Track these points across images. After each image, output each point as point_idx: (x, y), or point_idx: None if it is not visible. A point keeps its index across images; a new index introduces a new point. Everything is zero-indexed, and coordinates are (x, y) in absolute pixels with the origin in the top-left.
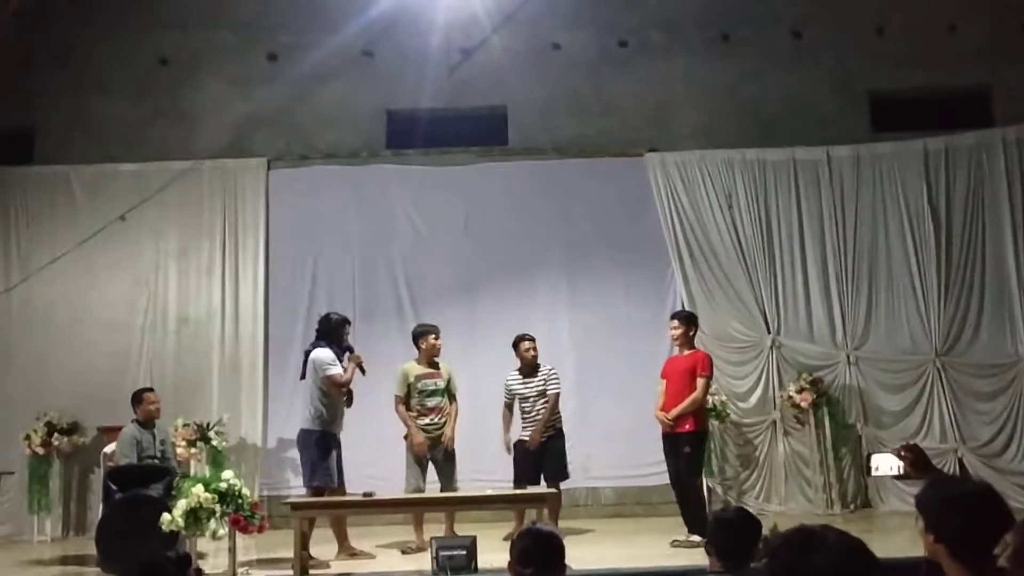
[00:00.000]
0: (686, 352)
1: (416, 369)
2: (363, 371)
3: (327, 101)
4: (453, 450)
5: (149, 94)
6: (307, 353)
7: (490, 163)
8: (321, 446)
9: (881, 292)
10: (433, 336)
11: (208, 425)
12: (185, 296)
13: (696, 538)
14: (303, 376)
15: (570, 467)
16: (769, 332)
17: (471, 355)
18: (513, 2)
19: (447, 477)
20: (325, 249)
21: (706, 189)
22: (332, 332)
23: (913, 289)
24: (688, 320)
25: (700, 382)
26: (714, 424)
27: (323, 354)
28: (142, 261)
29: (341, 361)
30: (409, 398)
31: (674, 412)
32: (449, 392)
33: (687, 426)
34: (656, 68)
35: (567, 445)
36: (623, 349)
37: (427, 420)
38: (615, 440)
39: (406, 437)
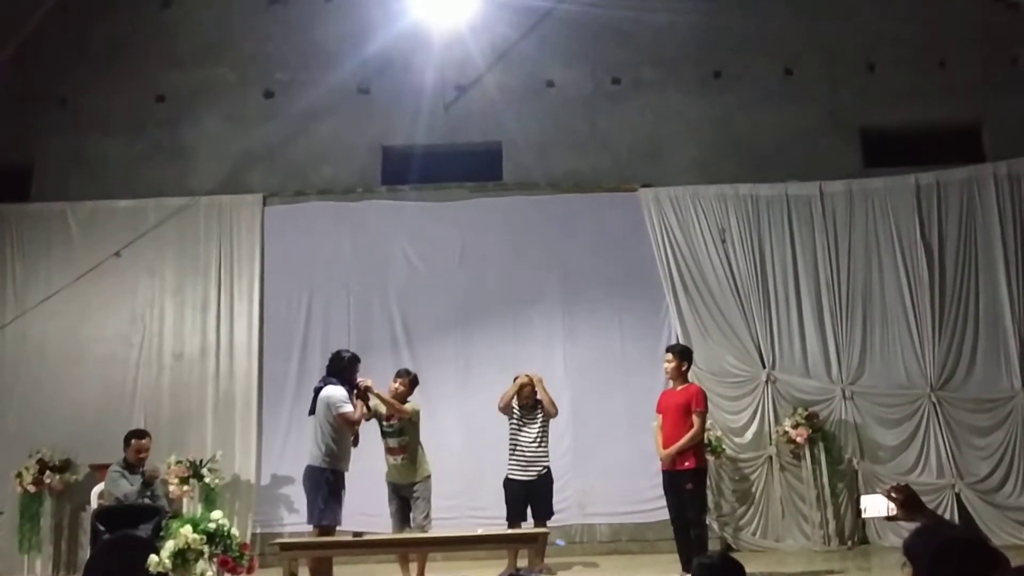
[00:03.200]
0: (680, 387)
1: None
2: (367, 401)
3: (323, 137)
4: (421, 484)
5: (146, 131)
6: (318, 390)
7: (485, 198)
8: (331, 484)
9: (875, 326)
10: (393, 378)
11: (201, 462)
12: (180, 332)
13: None
14: (312, 412)
15: (566, 503)
16: (764, 367)
17: (466, 390)
18: (507, 40)
19: (419, 512)
20: (320, 284)
21: (700, 224)
22: (344, 370)
23: (907, 323)
24: (681, 354)
25: (696, 419)
26: (710, 459)
27: (337, 392)
28: (137, 297)
29: (351, 399)
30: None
31: (673, 449)
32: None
33: (687, 463)
34: (649, 104)
35: (562, 480)
36: (618, 383)
37: (391, 459)
38: (611, 476)
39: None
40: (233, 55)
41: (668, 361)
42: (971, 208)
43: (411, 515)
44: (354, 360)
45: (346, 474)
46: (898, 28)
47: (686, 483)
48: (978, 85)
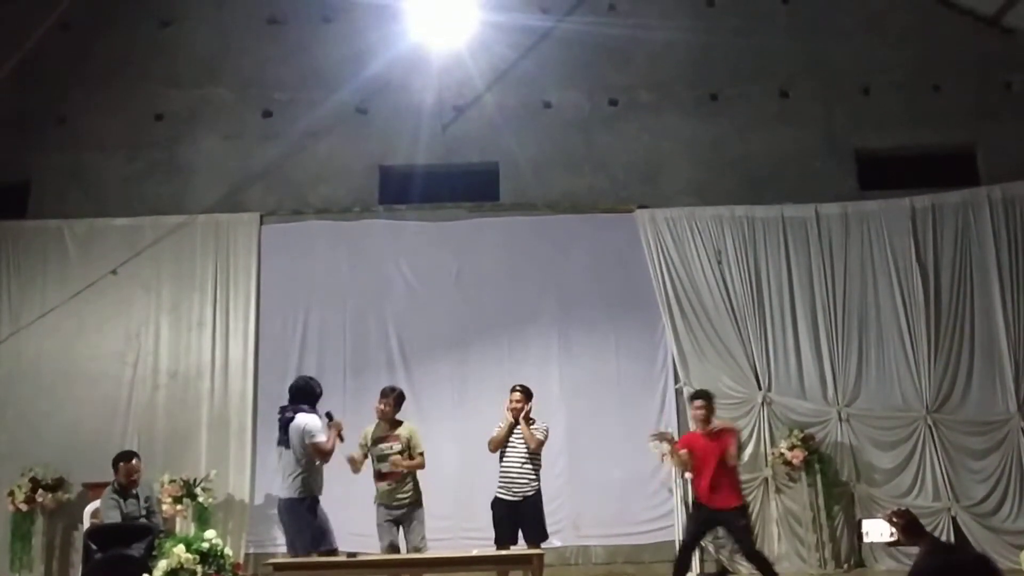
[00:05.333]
0: (709, 429)
1: (375, 431)
2: (341, 439)
3: (321, 157)
4: (414, 507)
5: (144, 149)
6: (289, 418)
7: (482, 218)
8: (314, 511)
9: (871, 349)
10: (378, 399)
11: (195, 481)
12: (175, 350)
13: None
14: (284, 442)
15: (561, 524)
16: (760, 388)
17: (462, 410)
18: (505, 61)
19: (414, 534)
20: (316, 304)
21: (696, 245)
22: (316, 398)
23: (903, 346)
24: (711, 398)
25: (732, 452)
26: None
27: (314, 421)
28: (133, 315)
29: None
30: (367, 458)
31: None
32: (410, 454)
33: (732, 502)
34: (646, 126)
35: (557, 501)
36: (614, 404)
37: (384, 484)
38: (606, 497)
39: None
40: (232, 75)
41: (698, 408)
42: (966, 231)
43: (408, 537)
44: (318, 389)
45: (340, 495)
46: (893, 52)
47: (738, 520)
48: (972, 109)
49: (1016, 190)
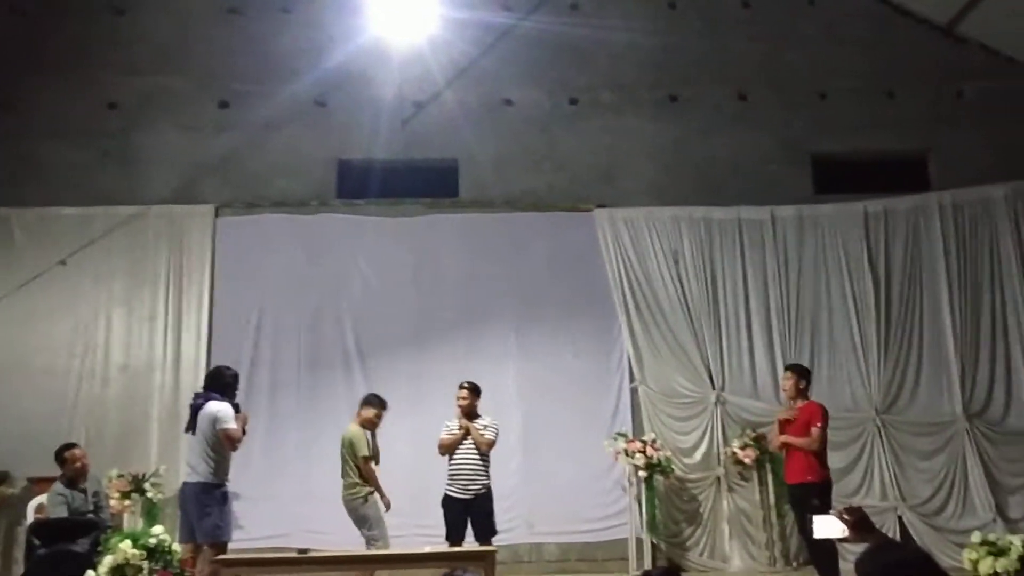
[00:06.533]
0: (799, 404)
1: (368, 435)
2: (244, 432)
3: (278, 150)
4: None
5: (96, 138)
6: (200, 405)
7: (441, 215)
8: (224, 500)
9: (823, 350)
10: (379, 413)
11: (144, 476)
12: (126, 344)
13: None
14: (191, 428)
15: (514, 521)
16: (714, 388)
17: (418, 407)
18: (466, 57)
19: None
20: (271, 298)
21: (653, 245)
22: (228, 387)
23: (854, 347)
24: (802, 372)
25: (814, 431)
26: (659, 480)
27: (227, 409)
28: (82, 307)
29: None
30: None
31: (785, 438)
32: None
33: (809, 477)
34: (606, 126)
35: (512, 499)
36: (569, 402)
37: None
38: (560, 494)
39: (371, 492)
40: (189, 64)
41: (787, 378)
42: (916, 236)
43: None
44: (236, 377)
45: (284, 490)
46: (850, 59)
47: (812, 497)
48: (925, 116)
49: (965, 196)
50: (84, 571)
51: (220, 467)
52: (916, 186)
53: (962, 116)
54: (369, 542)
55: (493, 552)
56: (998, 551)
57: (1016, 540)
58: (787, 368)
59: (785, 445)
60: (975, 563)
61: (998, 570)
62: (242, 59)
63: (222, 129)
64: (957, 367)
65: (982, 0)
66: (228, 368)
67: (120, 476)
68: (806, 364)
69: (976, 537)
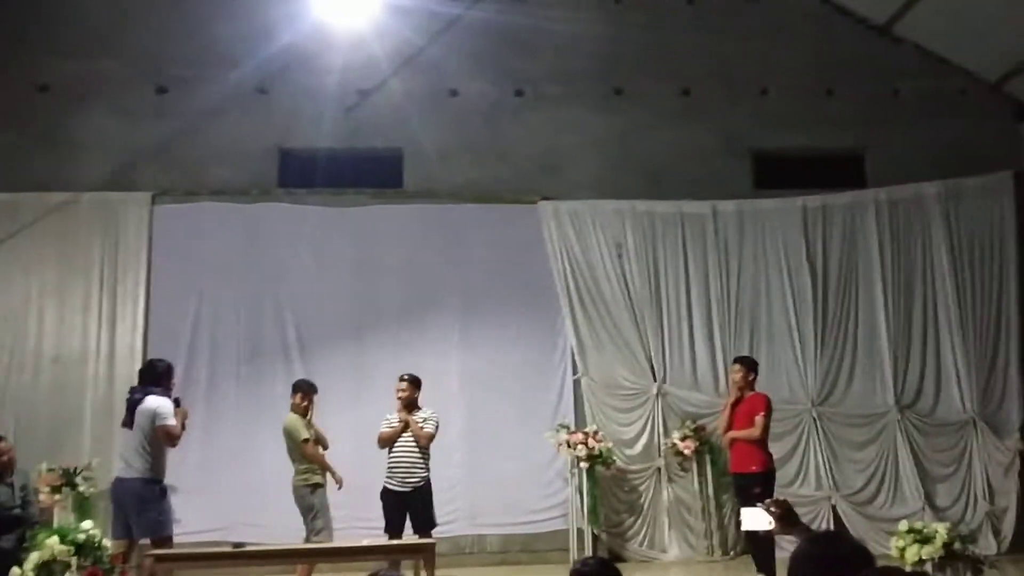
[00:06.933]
0: (747, 395)
1: (302, 420)
2: (183, 428)
3: (218, 137)
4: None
5: (26, 121)
6: (137, 400)
7: (384, 205)
8: (163, 495)
9: (762, 343)
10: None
11: (75, 470)
12: (58, 334)
13: None
14: (129, 423)
15: (457, 513)
16: (655, 380)
17: (359, 399)
18: (412, 46)
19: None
20: (210, 288)
21: (597, 238)
22: (161, 379)
23: (791, 340)
24: (751, 365)
25: (758, 419)
26: (600, 471)
27: (167, 405)
28: (11, 296)
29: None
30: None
31: (731, 434)
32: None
33: (753, 467)
34: (551, 118)
35: (454, 491)
36: (512, 394)
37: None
38: (503, 486)
39: (319, 484)
40: (124, 47)
41: (736, 371)
42: (853, 231)
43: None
44: (169, 369)
45: (223, 482)
46: (791, 56)
47: (754, 487)
48: (862, 115)
49: (900, 193)
50: (8, 568)
51: (157, 463)
52: (853, 183)
53: (898, 115)
54: (311, 533)
55: (432, 544)
56: (924, 538)
57: (941, 528)
58: (736, 360)
59: (733, 440)
60: (902, 550)
61: (923, 557)
62: (180, 43)
63: (160, 115)
64: (890, 360)
65: (918, 1)
66: (160, 360)
67: (51, 470)
68: None
69: (903, 525)
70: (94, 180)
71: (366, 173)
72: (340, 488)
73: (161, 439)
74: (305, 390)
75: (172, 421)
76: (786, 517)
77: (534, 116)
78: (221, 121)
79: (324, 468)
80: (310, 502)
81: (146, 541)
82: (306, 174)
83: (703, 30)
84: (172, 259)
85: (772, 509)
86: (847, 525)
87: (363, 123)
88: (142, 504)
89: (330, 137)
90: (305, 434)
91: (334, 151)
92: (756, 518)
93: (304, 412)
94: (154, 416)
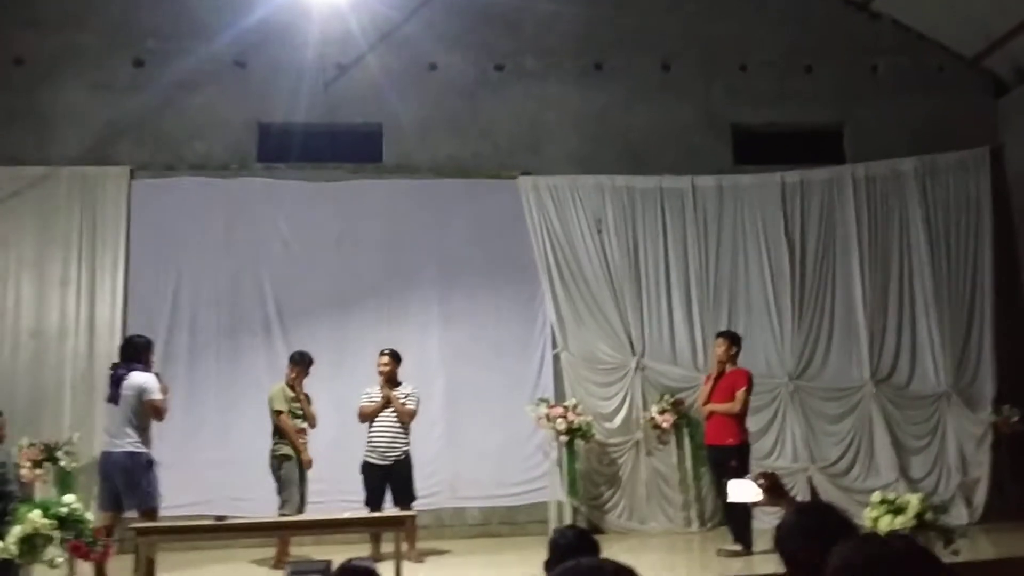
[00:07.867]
0: (729, 369)
1: (289, 392)
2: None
3: (196, 111)
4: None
5: (1, 95)
6: (122, 376)
7: (364, 180)
8: (151, 467)
9: (740, 318)
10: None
11: (56, 445)
12: (37, 308)
13: (738, 547)
14: (114, 398)
15: (438, 487)
16: (634, 354)
17: (340, 373)
18: (390, 20)
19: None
20: (189, 263)
21: (577, 213)
22: (141, 354)
23: (769, 315)
24: (733, 339)
25: (738, 394)
26: (580, 444)
27: (151, 380)
28: None
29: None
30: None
31: (710, 407)
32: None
33: (729, 440)
34: (531, 93)
35: (435, 464)
36: (493, 369)
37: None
38: (483, 460)
39: (287, 457)
40: (100, 19)
41: (719, 345)
42: (830, 207)
43: None
44: (148, 344)
45: (205, 457)
46: (770, 32)
47: (730, 460)
48: (841, 90)
49: (877, 169)
50: None
51: (144, 437)
52: (831, 158)
53: (876, 91)
54: (280, 506)
55: (412, 517)
56: (896, 509)
57: (913, 498)
58: (719, 334)
59: (711, 413)
60: (875, 521)
61: (896, 527)
62: (156, 15)
63: (137, 88)
64: (866, 334)
65: None
66: (140, 336)
67: (31, 445)
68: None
69: (876, 496)
70: (71, 154)
71: (345, 148)
72: (308, 469)
73: (149, 413)
74: (296, 361)
75: (159, 396)
76: (774, 489)
77: (514, 91)
78: (199, 95)
79: (292, 443)
80: (278, 474)
81: (132, 514)
82: (285, 149)
83: (682, 4)
84: (151, 234)
85: (760, 481)
86: (823, 496)
87: (342, 97)
88: (131, 476)
89: (309, 111)
90: (279, 406)
91: (313, 126)
92: (744, 490)
93: (291, 384)
94: (141, 391)
